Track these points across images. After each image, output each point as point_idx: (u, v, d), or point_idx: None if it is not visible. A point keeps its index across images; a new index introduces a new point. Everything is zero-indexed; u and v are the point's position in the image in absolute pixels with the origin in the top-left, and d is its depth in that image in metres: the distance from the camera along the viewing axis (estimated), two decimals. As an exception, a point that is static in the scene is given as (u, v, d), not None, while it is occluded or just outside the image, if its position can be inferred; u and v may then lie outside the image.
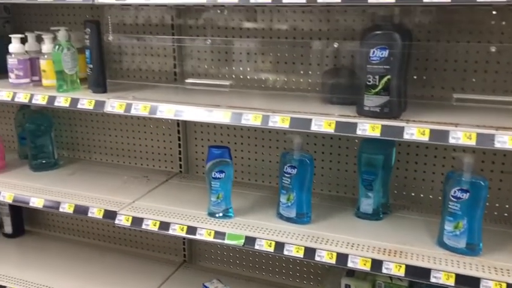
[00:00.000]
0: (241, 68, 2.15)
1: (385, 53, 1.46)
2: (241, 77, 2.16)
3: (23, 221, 2.81)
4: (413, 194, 2.03)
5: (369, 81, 1.50)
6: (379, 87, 1.49)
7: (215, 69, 2.20)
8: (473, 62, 1.79)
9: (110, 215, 1.96)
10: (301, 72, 2.04)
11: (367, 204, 1.86)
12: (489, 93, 1.78)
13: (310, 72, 2.04)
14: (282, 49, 2.06)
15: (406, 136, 1.45)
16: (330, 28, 1.95)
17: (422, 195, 2.02)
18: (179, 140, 2.39)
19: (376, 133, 1.49)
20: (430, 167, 1.98)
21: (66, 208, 2.04)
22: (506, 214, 1.90)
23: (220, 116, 1.68)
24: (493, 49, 1.46)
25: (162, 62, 2.30)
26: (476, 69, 1.80)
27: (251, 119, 1.64)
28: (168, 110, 1.76)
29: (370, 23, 1.57)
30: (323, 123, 1.55)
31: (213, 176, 1.84)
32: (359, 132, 1.50)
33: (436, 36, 1.82)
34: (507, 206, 1.89)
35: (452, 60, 1.81)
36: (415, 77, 1.88)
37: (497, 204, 1.90)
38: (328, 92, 1.76)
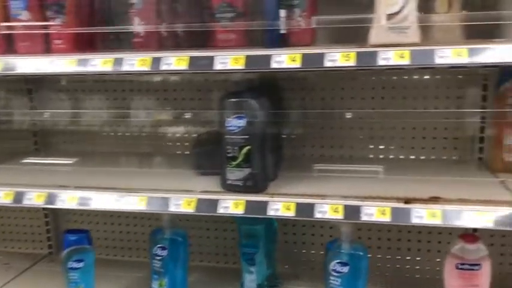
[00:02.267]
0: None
1: (243, 122, 1.33)
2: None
3: None
4: (304, 260, 1.89)
5: (229, 153, 1.35)
6: (240, 158, 1.34)
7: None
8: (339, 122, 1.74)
9: None
10: (173, 135, 1.88)
11: (250, 280, 1.68)
12: (359, 153, 1.74)
13: (186, 136, 1.87)
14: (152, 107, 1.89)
15: (271, 212, 1.30)
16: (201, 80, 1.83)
17: (313, 260, 1.88)
18: (46, 217, 2.09)
19: (240, 210, 1.33)
20: (318, 229, 1.86)
21: None
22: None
23: (67, 199, 1.44)
24: (348, 115, 1.38)
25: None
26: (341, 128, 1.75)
27: (104, 200, 1.41)
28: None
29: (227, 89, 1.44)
30: (182, 202, 1.37)
31: (69, 266, 1.57)
32: (221, 210, 1.33)
33: (307, 95, 1.75)
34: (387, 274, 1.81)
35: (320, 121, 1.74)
36: (293, 137, 1.78)
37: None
38: (196, 161, 1.59)
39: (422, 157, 1.72)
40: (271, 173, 1.46)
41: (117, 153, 1.90)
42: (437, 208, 1.22)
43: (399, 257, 1.78)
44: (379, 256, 1.80)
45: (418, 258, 1.77)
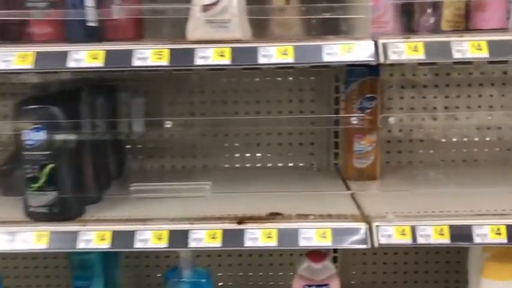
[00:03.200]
0: None
1: (42, 135, 1.07)
2: None
3: None
4: (157, 284, 1.67)
5: (29, 173, 1.09)
6: (42, 180, 1.09)
7: None
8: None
9: None
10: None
11: (86, 318, 1.43)
12: (215, 162, 1.58)
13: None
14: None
15: (81, 245, 1.06)
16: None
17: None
18: None
19: (43, 244, 1.07)
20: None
21: None
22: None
23: None
24: (168, 125, 1.20)
25: None
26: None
27: None
28: None
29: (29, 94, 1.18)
30: (-31, 236, 1.08)
31: None
32: (18, 246, 1.07)
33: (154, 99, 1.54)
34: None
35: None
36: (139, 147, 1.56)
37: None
38: (4, 183, 1.30)
39: (279, 164, 1.59)
40: (94, 194, 1.23)
41: None
42: (273, 227, 1.07)
43: (251, 274, 1.64)
44: (230, 274, 1.64)
45: (270, 274, 1.63)
